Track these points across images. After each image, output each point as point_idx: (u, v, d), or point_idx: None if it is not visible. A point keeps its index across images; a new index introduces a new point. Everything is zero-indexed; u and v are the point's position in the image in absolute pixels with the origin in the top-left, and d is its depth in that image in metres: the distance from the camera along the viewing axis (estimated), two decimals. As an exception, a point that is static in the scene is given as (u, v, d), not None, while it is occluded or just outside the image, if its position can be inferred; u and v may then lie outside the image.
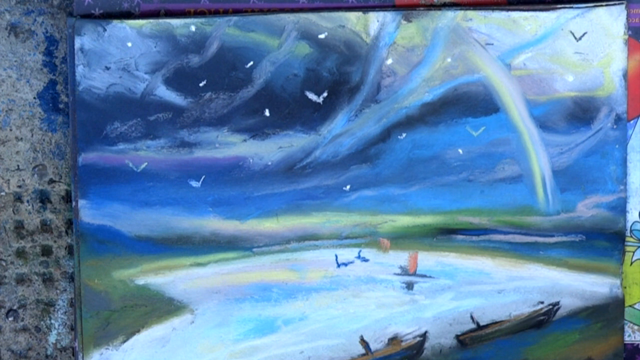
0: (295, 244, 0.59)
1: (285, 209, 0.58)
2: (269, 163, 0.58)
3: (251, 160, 0.58)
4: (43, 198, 0.60)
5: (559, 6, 0.57)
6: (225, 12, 0.58)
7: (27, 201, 0.60)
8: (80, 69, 0.57)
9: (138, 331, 0.59)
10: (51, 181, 0.60)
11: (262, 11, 0.58)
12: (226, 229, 0.58)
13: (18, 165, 0.60)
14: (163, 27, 0.56)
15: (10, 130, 0.60)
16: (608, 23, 0.57)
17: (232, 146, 0.58)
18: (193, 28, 0.56)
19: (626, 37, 0.57)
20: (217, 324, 0.59)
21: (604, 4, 0.57)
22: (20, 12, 0.59)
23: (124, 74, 0.57)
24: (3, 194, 0.60)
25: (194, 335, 0.59)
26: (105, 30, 0.56)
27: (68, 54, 0.57)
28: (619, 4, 0.57)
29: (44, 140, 0.60)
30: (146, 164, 0.58)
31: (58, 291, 0.61)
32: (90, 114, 0.57)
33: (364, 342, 0.60)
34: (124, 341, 0.59)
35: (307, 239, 0.59)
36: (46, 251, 0.61)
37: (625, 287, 0.60)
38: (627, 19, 0.57)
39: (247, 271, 0.59)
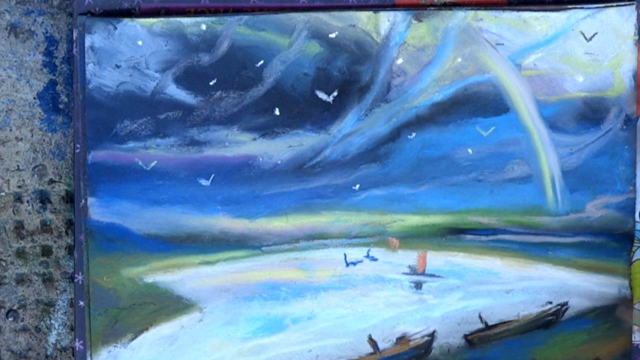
0: (304, 242, 0.63)
1: (294, 208, 0.63)
2: (279, 162, 0.63)
3: (261, 159, 0.63)
4: (43, 198, 0.65)
5: (569, 7, 0.62)
6: (225, 11, 0.63)
7: (27, 201, 0.65)
8: (90, 67, 0.61)
9: (146, 329, 0.63)
10: (51, 181, 0.64)
11: (261, 10, 0.63)
12: (235, 228, 0.63)
13: (18, 166, 0.64)
14: (174, 26, 0.61)
15: (10, 130, 0.64)
16: (618, 24, 0.63)
17: (241, 145, 0.63)
18: (204, 27, 0.61)
19: (636, 37, 0.63)
20: (226, 322, 0.64)
21: (614, 4, 0.62)
22: (20, 12, 0.63)
23: (135, 73, 0.62)
24: (3, 194, 0.64)
25: (202, 334, 0.63)
26: (116, 28, 0.61)
27: (78, 52, 0.62)
28: (629, 4, 0.63)
29: (44, 140, 0.64)
30: (156, 162, 0.63)
31: (58, 291, 0.66)
32: (100, 112, 0.62)
33: (372, 341, 0.65)
34: (132, 339, 0.63)
35: (316, 238, 0.64)
36: (46, 251, 0.65)
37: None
38: (637, 19, 0.63)
39: (255, 270, 0.63)
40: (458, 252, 0.64)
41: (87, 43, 0.62)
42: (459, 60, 0.63)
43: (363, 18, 0.63)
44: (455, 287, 0.65)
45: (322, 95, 0.63)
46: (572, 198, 0.64)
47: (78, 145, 0.63)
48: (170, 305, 0.64)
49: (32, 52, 0.64)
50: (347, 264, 0.64)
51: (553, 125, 0.64)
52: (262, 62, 0.63)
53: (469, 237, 0.64)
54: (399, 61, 0.63)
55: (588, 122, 0.64)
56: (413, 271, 0.65)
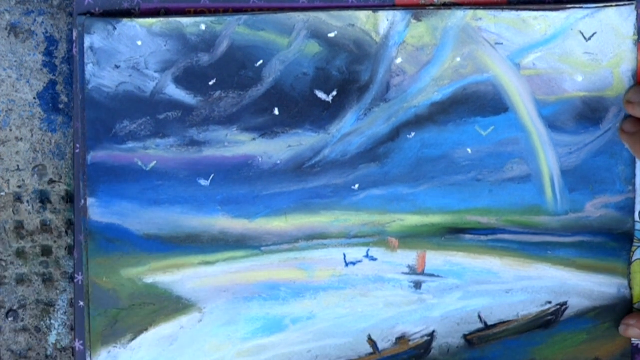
0: (304, 242, 0.64)
1: (293, 208, 0.64)
2: (278, 162, 0.63)
3: (260, 159, 0.63)
4: (43, 198, 0.65)
5: (568, 6, 0.63)
6: (225, 11, 0.63)
7: (27, 201, 0.65)
8: (90, 68, 0.62)
9: (146, 329, 0.64)
10: (51, 181, 0.64)
11: (261, 10, 0.63)
12: (235, 228, 0.63)
13: (18, 166, 0.64)
14: (173, 26, 0.62)
15: (10, 130, 0.64)
16: (618, 23, 0.63)
17: (241, 145, 0.63)
18: (203, 27, 0.62)
19: (636, 37, 0.63)
20: (225, 322, 0.64)
21: (613, 4, 0.63)
22: (20, 12, 0.64)
23: (134, 73, 0.62)
24: (3, 194, 0.64)
25: (201, 334, 0.64)
26: (115, 28, 0.62)
27: (78, 53, 0.62)
28: (629, 4, 0.63)
29: (44, 140, 0.64)
30: (155, 162, 0.63)
31: (58, 291, 0.66)
32: (99, 113, 0.62)
33: (371, 341, 0.65)
34: (132, 339, 0.64)
35: (316, 238, 0.64)
36: (46, 251, 0.66)
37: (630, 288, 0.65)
38: (637, 19, 0.63)
39: (255, 270, 0.64)
40: (457, 252, 0.65)
41: (87, 43, 0.62)
42: (458, 59, 0.64)
43: (362, 17, 0.63)
44: (454, 287, 0.65)
45: (321, 95, 0.64)
46: (572, 198, 0.65)
47: (78, 146, 0.64)
48: (170, 305, 0.64)
49: (32, 52, 0.65)
50: (347, 264, 0.65)
51: (552, 124, 0.64)
52: (261, 62, 0.63)
53: (468, 236, 0.65)
54: (398, 61, 0.64)
55: (587, 122, 0.65)
56: (412, 271, 0.65)
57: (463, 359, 0.66)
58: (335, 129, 0.64)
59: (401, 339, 0.66)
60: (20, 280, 0.66)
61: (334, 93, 0.64)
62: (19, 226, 0.66)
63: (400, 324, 0.65)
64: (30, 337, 0.67)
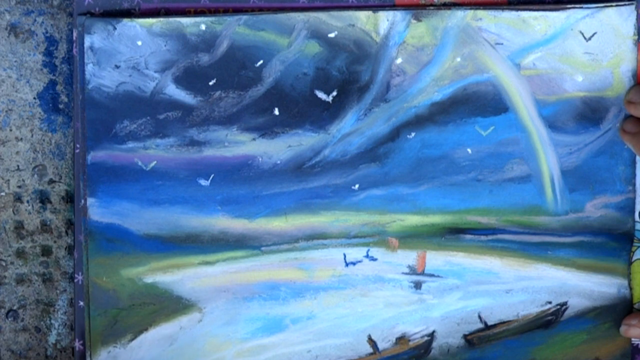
0: (304, 242, 0.64)
1: (293, 208, 0.64)
2: (278, 162, 0.64)
3: (260, 159, 0.63)
4: (43, 198, 0.65)
5: (568, 6, 0.63)
6: (225, 11, 0.63)
7: (27, 201, 0.65)
8: (90, 68, 0.62)
9: (146, 329, 0.64)
10: (51, 181, 0.65)
11: (261, 10, 0.63)
12: (235, 228, 0.64)
13: (18, 166, 0.65)
14: (173, 26, 0.62)
15: (10, 130, 0.64)
16: (618, 23, 0.63)
17: (241, 145, 0.63)
18: (203, 27, 0.62)
19: (636, 37, 0.63)
20: (225, 322, 0.64)
21: (613, 4, 0.63)
22: (20, 12, 0.64)
23: (134, 73, 0.62)
24: (3, 194, 0.64)
25: (201, 334, 0.64)
26: (115, 28, 0.62)
27: (78, 53, 0.62)
28: (629, 4, 0.63)
29: (44, 140, 0.65)
30: (155, 162, 0.63)
31: (58, 291, 0.66)
32: (99, 113, 0.62)
33: (371, 341, 0.65)
34: (132, 339, 0.64)
35: (316, 237, 0.64)
36: (46, 251, 0.66)
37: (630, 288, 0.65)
38: (637, 19, 0.63)
39: (255, 270, 0.64)
40: (457, 252, 0.65)
41: (87, 43, 0.63)
42: (458, 59, 0.64)
43: (362, 18, 0.63)
44: (454, 287, 0.65)
45: (321, 95, 0.64)
46: (572, 198, 0.65)
47: (78, 146, 0.64)
48: (170, 305, 0.64)
49: (32, 52, 0.65)
50: (347, 264, 0.65)
51: (552, 124, 0.64)
52: (261, 62, 0.63)
53: (468, 236, 0.65)
54: (398, 61, 0.64)
55: (587, 122, 0.65)
56: (412, 271, 0.65)
57: (463, 359, 0.66)
58: (335, 129, 0.64)
59: (401, 339, 0.66)
60: (20, 280, 0.66)
61: (334, 93, 0.64)
62: (19, 226, 0.66)
63: (400, 324, 0.66)
64: (30, 337, 0.67)
